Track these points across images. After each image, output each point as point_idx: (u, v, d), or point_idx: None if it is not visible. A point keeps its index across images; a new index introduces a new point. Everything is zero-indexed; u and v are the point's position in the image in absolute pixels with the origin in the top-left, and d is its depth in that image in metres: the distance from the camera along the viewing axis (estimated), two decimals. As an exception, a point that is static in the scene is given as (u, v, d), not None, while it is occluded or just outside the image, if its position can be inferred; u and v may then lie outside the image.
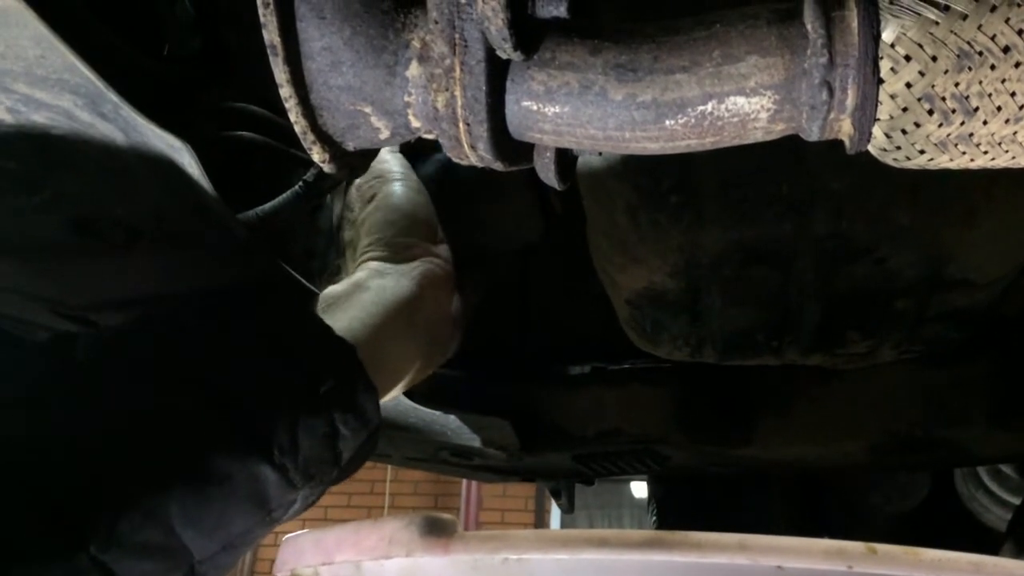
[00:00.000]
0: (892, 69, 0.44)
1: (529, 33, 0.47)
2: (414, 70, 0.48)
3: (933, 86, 0.44)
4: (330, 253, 0.89)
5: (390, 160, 0.85)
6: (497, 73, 0.47)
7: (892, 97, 0.45)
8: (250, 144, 0.74)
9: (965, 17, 0.43)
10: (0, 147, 0.56)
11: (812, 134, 0.47)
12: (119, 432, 0.54)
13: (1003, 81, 0.43)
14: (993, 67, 0.43)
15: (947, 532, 2.00)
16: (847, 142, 0.48)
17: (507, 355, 1.23)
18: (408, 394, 0.81)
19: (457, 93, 0.47)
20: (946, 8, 0.43)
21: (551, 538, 0.68)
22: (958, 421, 1.14)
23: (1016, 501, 1.73)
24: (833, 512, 1.96)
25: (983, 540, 1.82)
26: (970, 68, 0.43)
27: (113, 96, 0.51)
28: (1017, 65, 0.43)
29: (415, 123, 0.50)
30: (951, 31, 0.43)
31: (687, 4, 0.50)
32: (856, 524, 1.96)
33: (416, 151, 0.91)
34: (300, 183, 0.72)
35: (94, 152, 0.55)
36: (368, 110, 0.50)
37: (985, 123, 0.45)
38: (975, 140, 0.45)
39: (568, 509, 1.90)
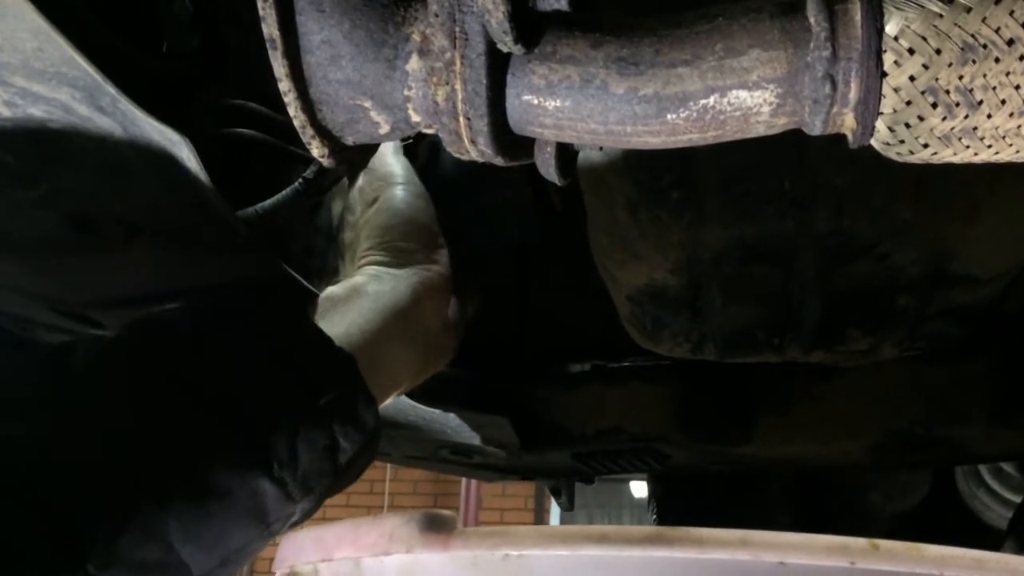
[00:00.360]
0: (896, 62, 0.44)
1: (530, 26, 0.46)
2: (414, 64, 0.48)
3: (937, 79, 0.44)
4: (329, 252, 0.88)
5: (394, 163, 0.85)
6: (498, 67, 0.47)
7: (896, 90, 0.44)
8: (249, 141, 0.74)
9: (969, 10, 0.43)
10: None
11: (815, 128, 0.47)
12: (119, 446, 0.54)
13: (1007, 74, 0.43)
14: (997, 60, 0.43)
15: (948, 530, 1.99)
16: (850, 136, 0.47)
17: (507, 353, 1.23)
18: (407, 392, 0.81)
19: (457, 87, 0.47)
20: (950, 1, 0.43)
21: (551, 534, 0.68)
22: (959, 419, 1.14)
23: (1017, 499, 1.73)
24: (833, 510, 1.95)
25: (984, 538, 1.82)
26: (974, 61, 0.43)
27: (111, 89, 0.51)
28: (1021, 58, 0.43)
29: (415, 117, 0.50)
30: (955, 24, 0.43)
31: (689, -3, 0.50)
32: (857, 522, 1.96)
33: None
34: (300, 180, 0.72)
35: (92, 146, 0.55)
36: (368, 104, 0.49)
37: (989, 116, 0.44)
38: (979, 134, 0.45)
39: (568, 508, 1.90)
